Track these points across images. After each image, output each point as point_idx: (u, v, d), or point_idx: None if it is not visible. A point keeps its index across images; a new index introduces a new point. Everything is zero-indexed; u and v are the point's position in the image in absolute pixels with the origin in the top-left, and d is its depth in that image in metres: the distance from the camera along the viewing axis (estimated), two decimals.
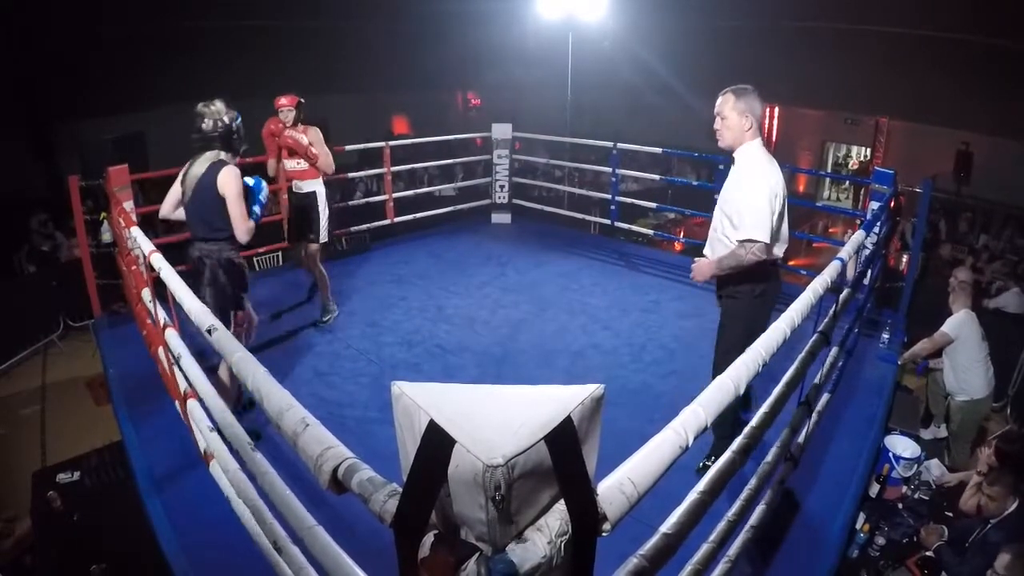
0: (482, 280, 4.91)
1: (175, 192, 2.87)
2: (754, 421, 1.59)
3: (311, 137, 3.84)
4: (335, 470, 1.03)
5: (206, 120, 2.71)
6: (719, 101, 2.42)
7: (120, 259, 4.00)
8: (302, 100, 3.85)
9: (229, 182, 2.69)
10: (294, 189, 4.00)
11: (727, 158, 2.55)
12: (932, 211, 8.10)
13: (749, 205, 2.32)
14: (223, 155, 2.75)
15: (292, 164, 3.95)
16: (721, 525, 1.56)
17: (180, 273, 2.27)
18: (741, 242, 2.34)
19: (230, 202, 2.70)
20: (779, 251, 2.49)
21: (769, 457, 1.92)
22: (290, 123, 3.80)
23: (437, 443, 0.81)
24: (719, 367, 2.43)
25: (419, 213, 5.87)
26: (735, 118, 2.37)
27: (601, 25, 8.67)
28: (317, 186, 3.96)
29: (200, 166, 2.72)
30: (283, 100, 3.79)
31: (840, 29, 10.34)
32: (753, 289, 2.47)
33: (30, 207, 7.52)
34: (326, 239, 4.05)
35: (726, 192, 2.48)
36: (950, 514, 3.09)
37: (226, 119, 2.73)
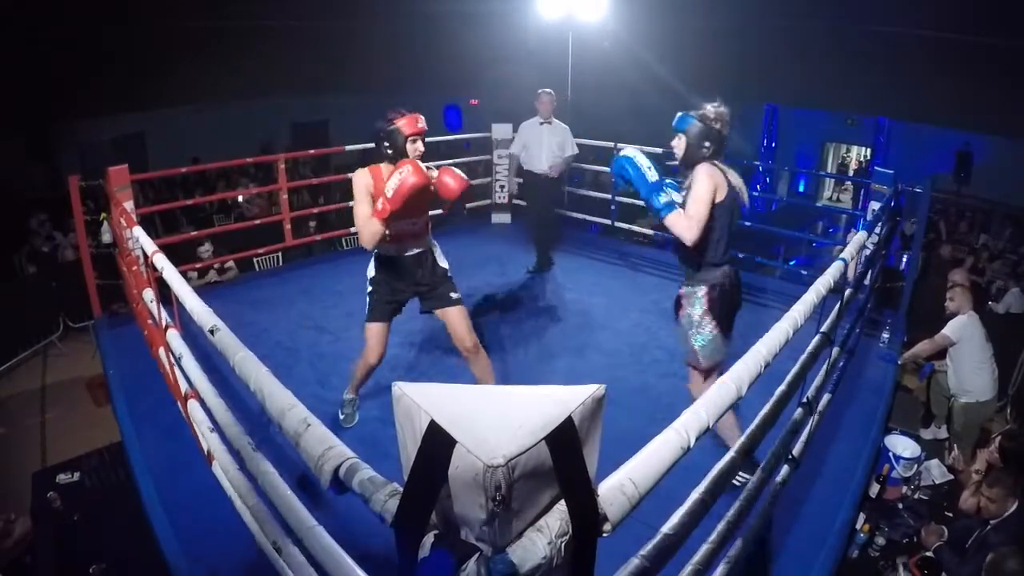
0: (482, 280, 4.91)
1: (706, 203, 2.29)
2: (756, 422, 1.59)
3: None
4: (336, 470, 1.03)
5: (727, 125, 2.37)
6: (549, 99, 4.79)
7: (120, 259, 4.00)
8: None
9: None
10: (398, 252, 2.80)
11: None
12: (932, 211, 8.10)
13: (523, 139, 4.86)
14: None
15: (407, 225, 2.73)
16: (721, 526, 1.55)
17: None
18: (509, 155, 4.88)
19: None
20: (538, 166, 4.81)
21: (770, 457, 1.92)
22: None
23: (438, 443, 0.81)
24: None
25: None
26: (548, 106, 4.77)
27: (601, 25, 8.67)
28: (430, 238, 2.97)
29: (735, 175, 2.41)
30: (421, 122, 2.52)
31: (840, 29, 10.34)
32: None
33: (30, 207, 7.51)
34: None
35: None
36: (950, 514, 3.09)
37: None
